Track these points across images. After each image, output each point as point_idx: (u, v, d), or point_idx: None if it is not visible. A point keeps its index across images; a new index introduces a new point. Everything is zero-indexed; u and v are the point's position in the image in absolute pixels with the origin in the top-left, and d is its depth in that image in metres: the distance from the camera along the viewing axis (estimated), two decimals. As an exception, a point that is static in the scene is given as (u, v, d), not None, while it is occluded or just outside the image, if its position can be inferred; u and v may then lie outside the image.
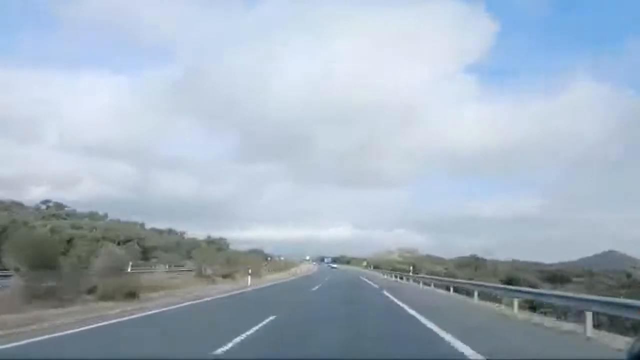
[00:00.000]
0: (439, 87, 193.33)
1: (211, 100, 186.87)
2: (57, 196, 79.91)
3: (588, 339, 9.21)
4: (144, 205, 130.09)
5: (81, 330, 9.15)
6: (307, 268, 78.29)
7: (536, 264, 68.26)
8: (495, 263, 60.11)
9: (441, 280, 28.92)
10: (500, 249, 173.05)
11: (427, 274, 42.42)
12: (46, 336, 8.31)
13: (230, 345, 7.54)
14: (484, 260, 62.50)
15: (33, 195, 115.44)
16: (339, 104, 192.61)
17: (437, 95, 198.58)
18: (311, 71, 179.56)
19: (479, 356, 6.96)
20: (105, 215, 55.39)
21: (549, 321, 12.50)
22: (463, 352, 7.31)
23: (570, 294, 12.92)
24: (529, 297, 15.18)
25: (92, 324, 9.91)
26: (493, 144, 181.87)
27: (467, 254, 71.11)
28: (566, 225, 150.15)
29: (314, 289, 26.60)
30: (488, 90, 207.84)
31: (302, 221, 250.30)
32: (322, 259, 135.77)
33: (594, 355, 7.89)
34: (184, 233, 67.21)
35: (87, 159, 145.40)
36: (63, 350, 7.57)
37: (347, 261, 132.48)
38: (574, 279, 41.62)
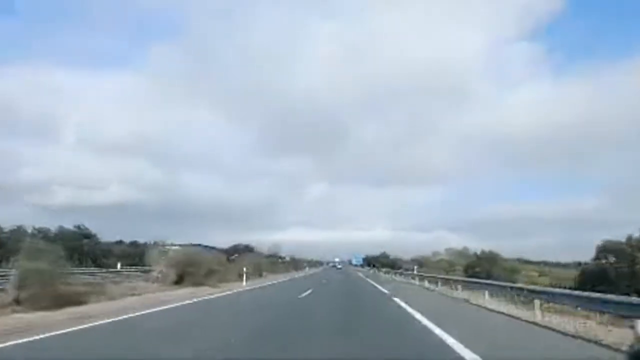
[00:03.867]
0: (493, 63, 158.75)
1: (228, 88, 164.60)
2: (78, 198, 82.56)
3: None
4: (164, 208, 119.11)
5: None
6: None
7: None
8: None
9: None
10: (557, 251, 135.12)
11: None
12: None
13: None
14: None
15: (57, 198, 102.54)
16: (376, 87, 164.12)
17: (490, 74, 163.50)
18: (344, 49, 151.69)
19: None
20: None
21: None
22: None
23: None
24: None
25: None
26: (551, 132, 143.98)
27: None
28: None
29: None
30: (554, 65, 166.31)
31: (336, 222, 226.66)
32: (349, 261, 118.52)
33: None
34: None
35: (100, 160, 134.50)
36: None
37: (391, 264, 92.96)
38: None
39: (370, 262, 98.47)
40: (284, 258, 60.68)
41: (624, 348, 7.29)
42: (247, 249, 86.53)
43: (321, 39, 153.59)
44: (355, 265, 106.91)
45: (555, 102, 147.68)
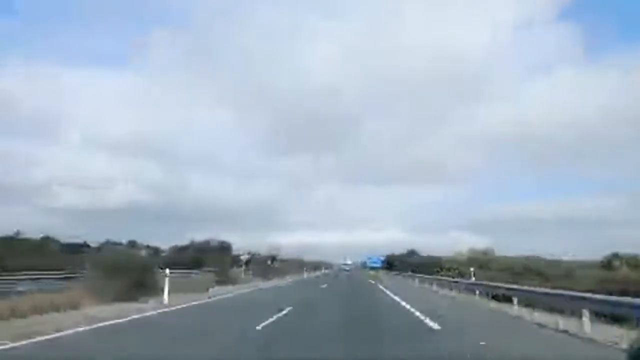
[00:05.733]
0: (515, 47, 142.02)
1: (233, 86, 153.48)
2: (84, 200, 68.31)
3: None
4: (166, 208, 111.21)
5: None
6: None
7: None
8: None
9: None
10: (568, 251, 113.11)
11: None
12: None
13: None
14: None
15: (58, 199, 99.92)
16: (386, 79, 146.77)
17: (510, 59, 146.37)
18: (349, 40, 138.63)
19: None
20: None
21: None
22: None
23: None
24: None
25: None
26: (575, 124, 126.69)
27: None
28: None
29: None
30: (584, 48, 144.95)
31: (343, 223, 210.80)
32: (363, 264, 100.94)
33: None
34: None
35: (100, 159, 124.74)
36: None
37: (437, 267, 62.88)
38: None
39: (392, 262, 74.11)
40: (239, 260, 38.08)
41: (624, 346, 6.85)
42: (222, 247, 65.41)
43: (325, 30, 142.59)
44: (373, 269, 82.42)
45: (579, 94, 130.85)
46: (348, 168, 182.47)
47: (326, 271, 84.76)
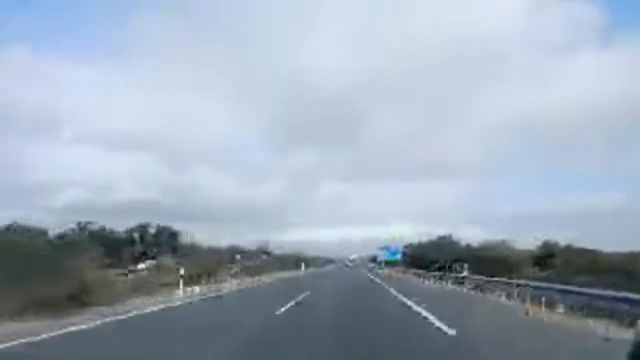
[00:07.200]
0: (535, 29, 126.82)
1: (234, 73, 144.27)
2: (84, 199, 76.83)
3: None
4: (170, 207, 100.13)
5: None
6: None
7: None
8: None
9: None
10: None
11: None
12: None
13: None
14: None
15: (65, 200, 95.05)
16: (396, 65, 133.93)
17: (529, 42, 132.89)
18: (360, 23, 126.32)
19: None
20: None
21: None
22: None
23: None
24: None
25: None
26: (598, 113, 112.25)
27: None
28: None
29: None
30: (611, 29, 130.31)
31: (355, 220, 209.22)
32: (373, 259, 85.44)
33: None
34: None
35: (102, 158, 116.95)
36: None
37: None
38: None
39: (415, 256, 51.81)
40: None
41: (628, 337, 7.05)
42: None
43: (334, 16, 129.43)
44: (386, 264, 59.74)
45: (606, 75, 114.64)
46: (355, 164, 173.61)
47: (312, 269, 65.97)
